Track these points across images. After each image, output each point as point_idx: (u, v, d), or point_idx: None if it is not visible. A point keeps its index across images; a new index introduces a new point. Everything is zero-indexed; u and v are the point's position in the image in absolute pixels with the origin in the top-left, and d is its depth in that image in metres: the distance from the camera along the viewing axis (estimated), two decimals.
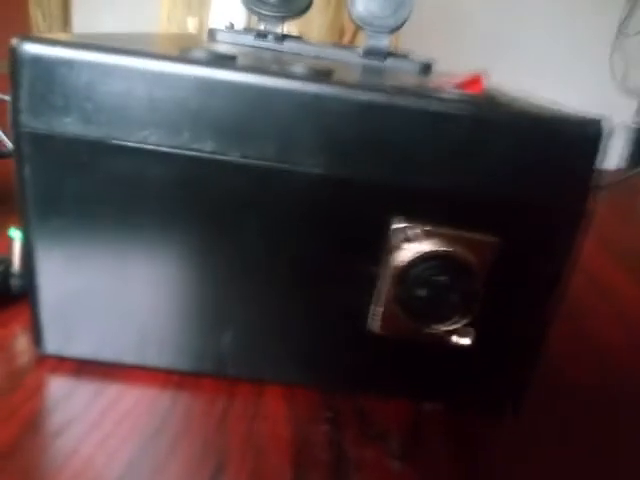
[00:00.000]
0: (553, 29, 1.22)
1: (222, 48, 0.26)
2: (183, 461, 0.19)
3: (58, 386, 0.22)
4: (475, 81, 0.22)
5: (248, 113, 0.19)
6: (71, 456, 0.19)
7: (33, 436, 0.20)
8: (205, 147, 0.20)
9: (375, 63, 0.33)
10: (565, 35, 1.23)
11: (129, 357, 0.23)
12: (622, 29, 1.14)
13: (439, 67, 0.37)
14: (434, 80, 0.24)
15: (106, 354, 0.23)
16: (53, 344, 0.23)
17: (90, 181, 0.20)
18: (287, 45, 0.33)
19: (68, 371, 0.23)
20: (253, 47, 0.32)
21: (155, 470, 0.19)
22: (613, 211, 0.61)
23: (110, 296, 0.22)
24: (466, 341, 0.21)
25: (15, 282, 0.26)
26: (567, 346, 0.30)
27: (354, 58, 0.33)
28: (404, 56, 0.35)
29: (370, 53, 0.33)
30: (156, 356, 0.23)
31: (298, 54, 0.32)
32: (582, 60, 1.23)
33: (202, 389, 0.23)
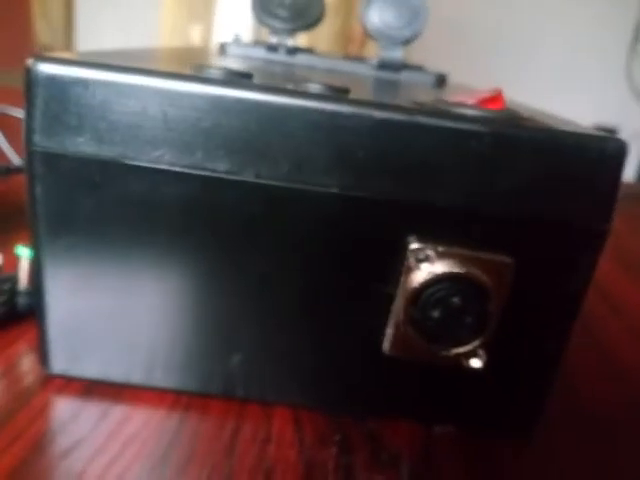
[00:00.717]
0: (568, 37, 1.22)
1: (235, 64, 0.25)
2: None
3: (64, 407, 0.22)
4: (496, 97, 0.22)
5: (262, 132, 0.19)
6: (78, 479, 0.19)
7: (39, 458, 0.19)
8: (218, 167, 0.19)
9: (390, 75, 0.33)
10: (580, 43, 1.22)
11: (137, 378, 0.23)
12: (639, 35, 1.13)
13: (453, 79, 0.37)
14: (453, 96, 0.23)
15: (114, 374, 0.23)
16: (60, 364, 0.22)
17: (102, 201, 0.20)
18: (299, 58, 0.32)
19: (75, 392, 0.22)
20: (264, 60, 0.32)
21: None
22: (625, 223, 0.60)
23: (119, 316, 0.22)
24: (477, 364, 0.20)
25: (21, 300, 0.26)
26: (580, 361, 0.30)
27: (368, 70, 0.33)
28: (418, 68, 0.34)
29: (384, 65, 0.33)
30: (164, 377, 0.23)
31: (311, 67, 0.32)
32: (598, 68, 1.22)
33: (210, 411, 0.22)
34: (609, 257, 0.47)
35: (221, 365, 0.22)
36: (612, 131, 1.32)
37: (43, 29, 1.08)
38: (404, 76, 0.32)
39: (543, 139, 0.19)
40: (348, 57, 0.35)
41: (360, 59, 0.34)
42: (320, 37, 0.91)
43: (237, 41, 0.34)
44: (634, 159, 1.19)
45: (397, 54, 0.32)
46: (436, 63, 0.36)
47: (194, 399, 0.23)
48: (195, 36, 1.09)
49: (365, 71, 0.32)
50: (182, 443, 0.21)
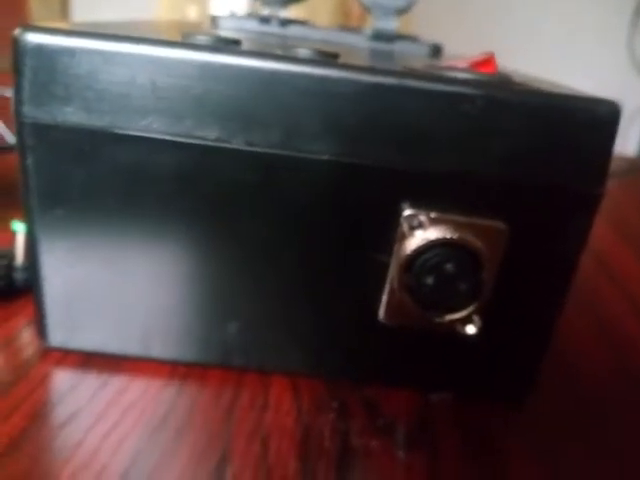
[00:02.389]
0: (568, 11, 1.20)
1: (225, 34, 0.25)
2: (188, 452, 0.19)
3: (63, 378, 0.22)
4: (488, 61, 0.22)
5: (252, 99, 0.19)
6: (77, 447, 0.19)
7: (39, 428, 0.20)
8: (209, 134, 0.19)
9: (383, 46, 0.32)
10: (581, 17, 1.20)
11: (134, 349, 0.23)
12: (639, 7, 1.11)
13: (452, 50, 0.36)
14: (445, 61, 0.23)
15: (111, 346, 0.23)
16: (58, 337, 0.23)
17: (93, 171, 0.20)
18: (292, 30, 0.32)
19: (73, 363, 0.23)
20: (256, 32, 0.32)
21: (160, 461, 0.19)
22: (628, 196, 0.60)
23: (115, 287, 0.22)
24: (472, 330, 0.20)
25: (18, 276, 0.26)
26: (579, 335, 0.30)
27: (361, 41, 0.33)
28: (413, 38, 0.34)
29: (378, 36, 0.32)
30: (161, 347, 0.23)
31: (303, 38, 0.32)
32: (599, 42, 1.21)
33: (208, 381, 0.23)
34: (613, 232, 0.47)
35: (218, 334, 0.22)
36: None
37: (38, 10, 1.07)
38: (398, 46, 0.32)
39: (535, 102, 0.19)
40: (342, 28, 0.35)
41: (354, 30, 0.34)
42: (318, 12, 0.90)
43: (231, 15, 0.33)
44: (636, 134, 1.17)
45: (391, 24, 0.32)
46: (435, 38, 0.36)
47: (192, 369, 0.23)
48: (192, 16, 1.08)
49: (358, 42, 0.32)
50: (180, 411, 0.21)
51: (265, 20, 0.32)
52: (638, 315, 0.33)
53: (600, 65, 1.18)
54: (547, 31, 1.18)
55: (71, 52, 0.19)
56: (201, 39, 0.20)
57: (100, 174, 0.20)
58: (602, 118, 0.19)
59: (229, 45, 0.20)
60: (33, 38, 0.19)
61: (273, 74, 0.19)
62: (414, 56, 0.31)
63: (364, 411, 0.22)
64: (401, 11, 0.32)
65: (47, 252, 0.21)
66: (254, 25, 0.32)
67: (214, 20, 0.33)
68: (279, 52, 0.20)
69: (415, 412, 0.23)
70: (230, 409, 0.21)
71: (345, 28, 0.36)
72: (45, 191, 0.20)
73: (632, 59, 1.16)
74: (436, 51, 0.33)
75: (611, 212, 0.53)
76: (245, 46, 0.20)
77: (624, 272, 0.40)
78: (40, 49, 0.19)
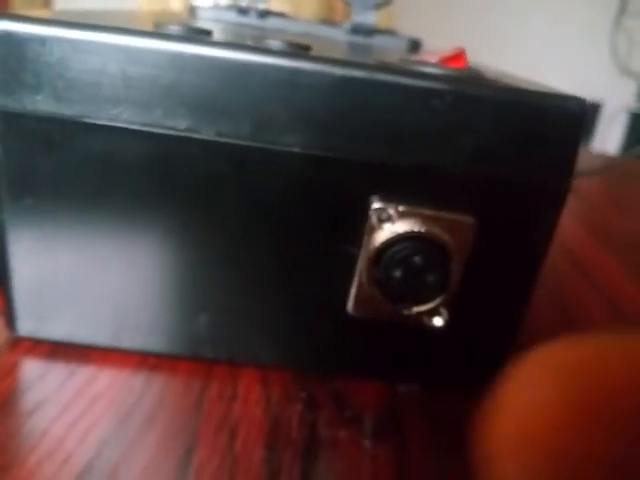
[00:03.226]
0: (552, 10, 1.21)
1: (200, 24, 0.25)
2: (155, 442, 0.19)
3: (31, 368, 0.22)
4: (458, 56, 0.22)
5: (221, 89, 0.19)
6: (43, 436, 0.19)
7: (5, 416, 0.19)
8: (178, 125, 0.19)
9: (360, 40, 0.32)
10: (564, 16, 1.21)
11: (104, 339, 0.23)
12: (623, 7, 1.12)
13: (433, 46, 0.36)
14: (417, 56, 0.23)
15: (81, 336, 0.23)
16: (27, 326, 0.23)
17: (63, 160, 0.20)
18: (270, 22, 0.32)
19: (42, 353, 0.23)
20: (234, 24, 0.32)
21: (126, 451, 0.19)
22: (608, 197, 0.60)
23: (84, 277, 0.22)
24: (439, 322, 0.21)
25: None
26: (549, 324, 0.30)
27: (339, 35, 0.33)
28: (391, 33, 0.34)
29: (356, 30, 0.33)
30: (131, 338, 0.23)
31: (281, 30, 0.32)
32: (582, 41, 1.22)
33: (178, 372, 0.23)
34: (589, 231, 0.47)
35: (188, 326, 0.22)
36: (596, 105, 1.32)
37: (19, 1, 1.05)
38: (376, 41, 0.32)
39: (503, 97, 0.19)
40: (321, 22, 0.35)
41: (332, 24, 0.34)
42: (302, 6, 0.90)
43: (213, 6, 0.33)
44: (618, 133, 1.19)
45: (369, 18, 0.32)
46: (420, 34, 0.36)
47: (162, 360, 0.23)
48: (175, 6, 1.07)
49: (336, 35, 0.32)
50: (148, 402, 0.21)
51: (243, 11, 0.32)
52: (609, 311, 0.34)
53: (583, 64, 1.19)
54: (531, 29, 1.19)
55: (41, 40, 0.19)
56: (172, 29, 0.20)
57: (70, 163, 0.20)
58: (569, 114, 0.20)
59: (199, 35, 0.20)
60: (2, 26, 0.19)
61: (243, 65, 0.19)
62: (391, 50, 0.31)
63: (332, 402, 0.22)
64: (380, 5, 0.32)
65: (16, 241, 0.21)
66: (232, 16, 0.32)
67: (192, 11, 0.33)
68: (250, 43, 0.20)
69: (383, 403, 0.23)
70: (199, 400, 0.21)
71: (324, 21, 0.36)
72: (14, 180, 0.20)
73: (615, 59, 1.18)
74: (414, 46, 0.33)
75: (588, 211, 0.53)
76: (216, 37, 0.20)
77: (599, 270, 0.40)
78: (9, 37, 0.19)
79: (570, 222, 0.46)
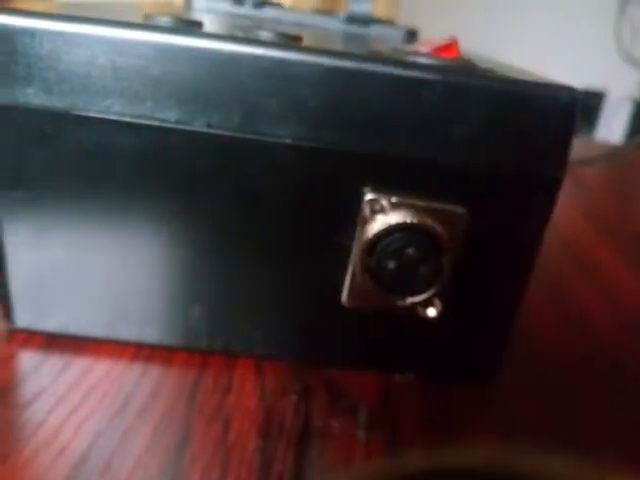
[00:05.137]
0: None
1: (193, 15, 0.25)
2: (149, 432, 0.19)
3: (27, 359, 0.22)
4: (450, 46, 0.22)
5: (211, 81, 0.19)
6: (39, 427, 0.19)
7: (1, 407, 0.20)
8: (169, 116, 0.19)
9: (357, 30, 0.32)
10: (568, 4, 1.20)
11: (99, 331, 0.23)
12: None
13: (436, 35, 0.36)
14: (410, 46, 0.23)
15: (76, 328, 0.23)
16: (23, 318, 0.23)
17: (54, 152, 0.20)
18: (265, 12, 0.32)
19: (38, 345, 0.23)
20: (228, 14, 0.32)
21: (121, 441, 0.19)
22: (610, 186, 0.60)
23: (78, 270, 0.22)
24: (433, 313, 0.21)
25: None
26: (550, 327, 0.30)
27: (336, 25, 0.32)
28: (388, 23, 0.34)
29: (352, 20, 0.32)
30: (126, 329, 0.23)
31: (276, 20, 0.31)
32: (586, 30, 1.20)
33: (173, 363, 0.23)
34: (587, 217, 0.47)
35: (182, 317, 0.22)
36: (600, 94, 1.31)
37: None
38: (373, 30, 0.32)
39: (494, 87, 0.19)
40: (318, 12, 0.35)
41: (329, 13, 0.34)
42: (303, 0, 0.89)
43: None
44: (622, 122, 1.18)
45: (365, 7, 0.32)
46: (421, 25, 0.36)
47: (156, 351, 0.23)
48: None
49: (332, 25, 0.32)
50: (143, 393, 0.21)
51: (239, 1, 0.32)
52: (607, 304, 0.34)
53: (587, 53, 1.18)
54: (535, 20, 1.18)
55: (31, 33, 0.19)
56: (161, 20, 0.19)
57: (62, 156, 0.20)
58: (561, 104, 0.20)
59: (189, 27, 0.20)
60: None
61: (232, 56, 0.19)
62: (386, 40, 0.31)
63: (327, 392, 0.23)
64: None
65: (10, 233, 0.21)
66: (227, 6, 0.32)
67: (188, 1, 0.33)
68: (240, 34, 0.20)
69: (378, 394, 0.23)
70: (193, 391, 0.22)
71: (321, 11, 0.35)
72: (7, 172, 0.20)
73: (619, 47, 1.16)
74: (411, 36, 0.33)
75: (590, 200, 0.53)
76: (207, 28, 0.20)
77: (597, 261, 0.40)
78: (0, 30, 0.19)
79: (572, 212, 0.46)
